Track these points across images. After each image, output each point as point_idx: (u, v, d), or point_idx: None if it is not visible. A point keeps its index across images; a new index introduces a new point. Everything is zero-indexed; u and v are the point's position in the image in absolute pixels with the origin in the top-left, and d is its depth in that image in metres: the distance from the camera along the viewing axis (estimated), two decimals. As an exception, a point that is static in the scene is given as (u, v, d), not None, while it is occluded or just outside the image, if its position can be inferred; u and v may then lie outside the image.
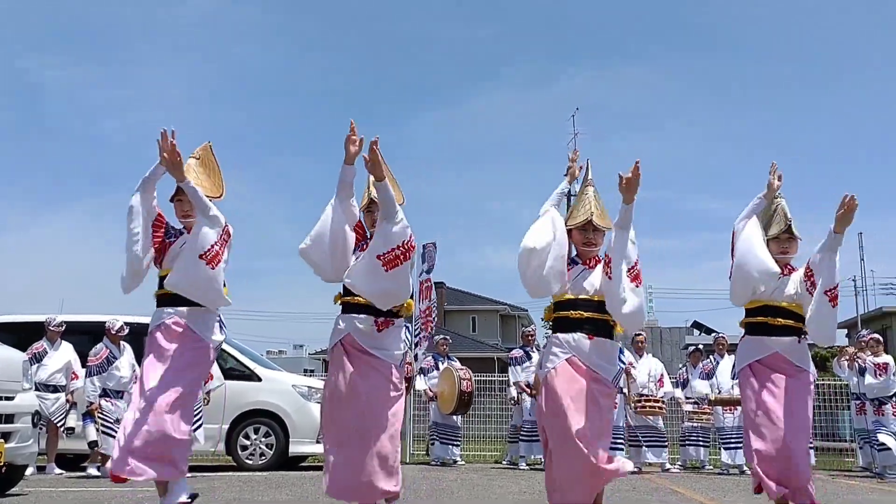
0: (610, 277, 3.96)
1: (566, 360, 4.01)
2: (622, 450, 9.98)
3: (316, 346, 38.71)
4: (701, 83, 76.48)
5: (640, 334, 11.15)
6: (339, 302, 4.28)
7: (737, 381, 4.79)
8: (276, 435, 9.61)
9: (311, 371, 33.42)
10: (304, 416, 9.68)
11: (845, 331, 30.44)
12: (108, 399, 8.43)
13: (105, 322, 8.80)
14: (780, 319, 4.49)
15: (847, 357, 10.51)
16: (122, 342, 8.73)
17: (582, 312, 4.08)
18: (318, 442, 9.60)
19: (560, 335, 4.09)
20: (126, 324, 8.76)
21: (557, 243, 4.09)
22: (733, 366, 6.75)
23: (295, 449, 9.64)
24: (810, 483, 4.30)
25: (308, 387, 10.03)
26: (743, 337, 4.68)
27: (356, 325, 4.17)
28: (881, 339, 10.90)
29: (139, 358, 6.72)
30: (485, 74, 76.50)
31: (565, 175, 4.46)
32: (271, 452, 9.56)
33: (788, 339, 4.47)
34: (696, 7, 77.76)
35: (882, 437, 9.91)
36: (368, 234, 4.29)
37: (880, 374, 10.15)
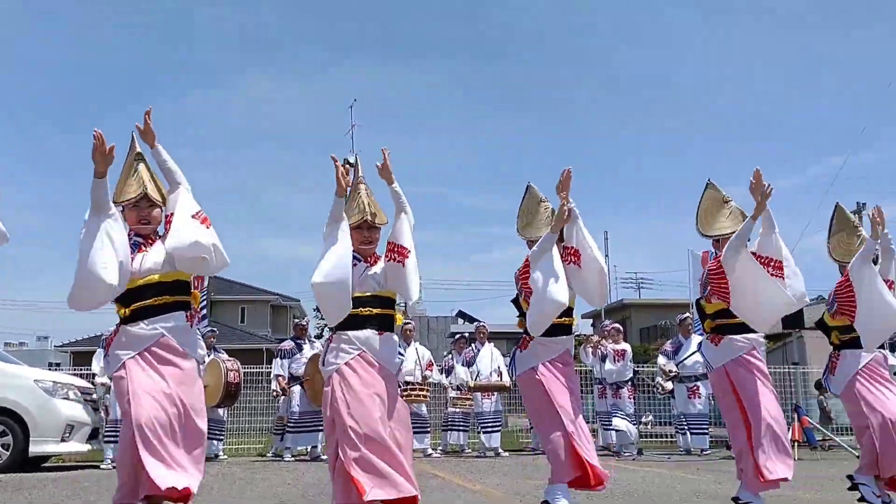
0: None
1: (358, 355, 4.07)
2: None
3: (62, 339, 35.51)
4: (475, 86, 79.92)
5: (409, 323, 11.48)
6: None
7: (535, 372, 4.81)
8: (14, 434, 8.72)
9: (58, 365, 30.67)
10: (48, 413, 8.85)
11: (590, 320, 33.26)
12: None
13: None
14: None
15: (591, 345, 11.48)
16: None
17: (371, 309, 4.14)
18: (63, 441, 8.85)
19: (349, 332, 4.12)
20: None
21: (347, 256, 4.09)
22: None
23: (36, 449, 8.80)
24: None
25: (53, 382, 9.19)
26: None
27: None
28: (621, 328, 12.06)
29: None
30: (263, 59, 74.54)
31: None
32: (7, 453, 8.66)
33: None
34: (473, 15, 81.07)
35: (616, 421, 10.95)
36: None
37: (618, 361, 11.22)
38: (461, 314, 35.61)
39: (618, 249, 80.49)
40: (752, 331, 4.90)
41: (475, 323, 13.03)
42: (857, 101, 69.49)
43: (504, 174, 78.36)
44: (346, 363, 4.05)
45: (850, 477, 5.26)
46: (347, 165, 4.45)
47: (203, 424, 3.89)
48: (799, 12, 72.53)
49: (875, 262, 5.13)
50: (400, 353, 4.37)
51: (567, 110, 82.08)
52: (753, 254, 4.77)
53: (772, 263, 4.74)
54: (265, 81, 72.63)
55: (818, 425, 11.90)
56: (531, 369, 4.76)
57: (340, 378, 4.03)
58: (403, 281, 4.18)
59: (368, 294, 4.16)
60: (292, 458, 10.33)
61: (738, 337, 4.88)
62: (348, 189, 4.25)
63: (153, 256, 3.97)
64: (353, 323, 4.12)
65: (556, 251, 4.70)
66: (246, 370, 11.54)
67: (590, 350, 11.53)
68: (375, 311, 4.16)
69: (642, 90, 77.44)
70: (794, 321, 13.80)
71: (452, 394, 11.24)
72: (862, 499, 5.07)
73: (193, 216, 3.97)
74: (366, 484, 3.77)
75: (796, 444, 10.60)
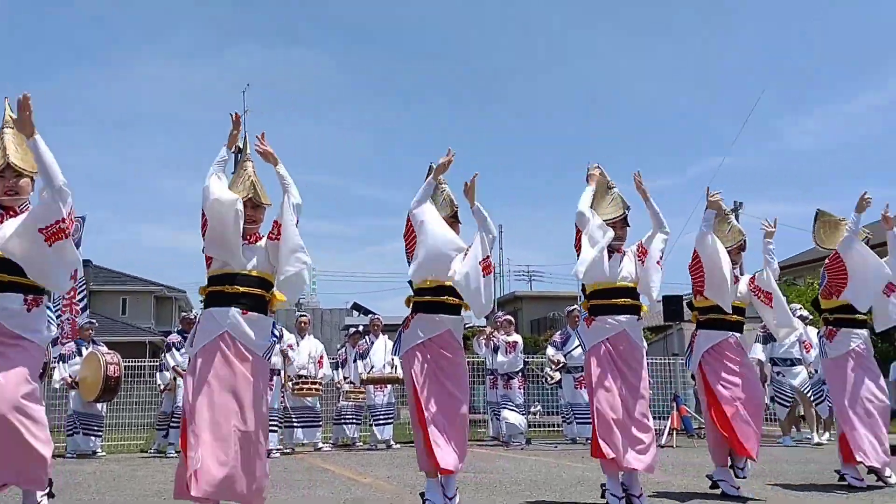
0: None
1: (218, 336, 3.95)
2: (276, 431, 9.98)
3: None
4: (372, 76, 79.39)
5: (304, 315, 11.33)
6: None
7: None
8: None
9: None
10: None
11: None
12: None
13: None
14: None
15: (484, 336, 11.64)
16: None
17: (238, 287, 4.01)
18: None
19: (213, 309, 4.02)
20: None
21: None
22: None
23: None
24: None
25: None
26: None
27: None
28: (513, 320, 12.28)
29: None
30: (149, 38, 71.57)
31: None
32: None
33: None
34: (373, 2, 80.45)
35: (505, 413, 11.15)
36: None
37: (510, 352, 11.42)
38: (356, 306, 35.36)
39: (512, 243, 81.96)
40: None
41: (370, 315, 12.94)
42: (735, 104, 73.20)
43: (402, 165, 78.43)
44: (203, 347, 3.97)
45: (709, 476, 5.56)
46: (236, 148, 4.37)
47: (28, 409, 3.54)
48: (675, 14, 75.69)
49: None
50: (274, 336, 4.23)
51: (466, 101, 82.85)
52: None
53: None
54: (153, 63, 69.78)
55: (695, 414, 12.47)
56: (408, 350, 4.71)
57: (196, 364, 3.97)
58: (277, 258, 4.11)
59: (243, 273, 4.05)
60: (176, 454, 9.98)
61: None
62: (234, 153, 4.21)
63: (3, 231, 3.66)
64: (219, 299, 4.02)
65: (432, 209, 4.73)
66: (127, 363, 11.11)
67: (482, 341, 11.68)
68: (242, 289, 4.02)
69: (535, 82, 79.01)
70: (674, 314, 14.44)
71: (346, 387, 11.15)
72: (724, 493, 5.39)
73: (41, 230, 3.58)
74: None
75: (675, 432, 11.10)
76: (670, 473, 7.06)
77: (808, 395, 10.62)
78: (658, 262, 5.01)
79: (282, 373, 10.17)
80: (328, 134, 77.46)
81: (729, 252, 5.47)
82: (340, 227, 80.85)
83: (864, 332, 5.97)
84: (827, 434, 11.32)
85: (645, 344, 5.19)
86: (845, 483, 5.82)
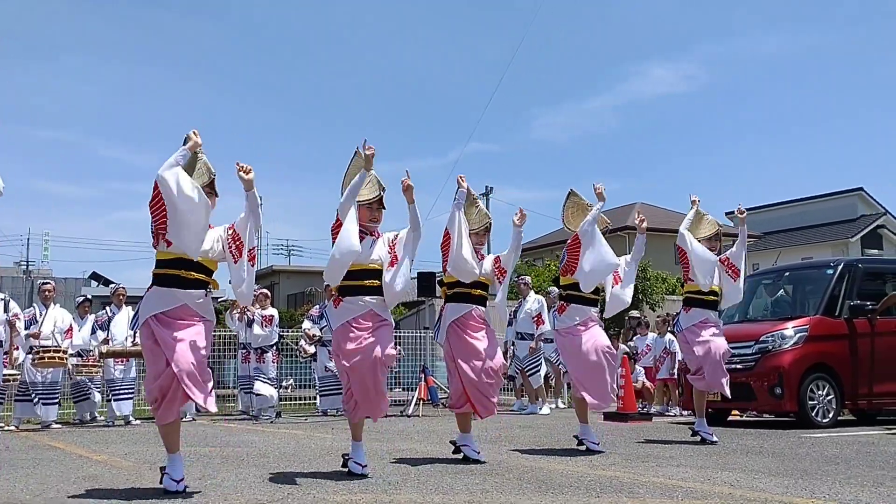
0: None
1: None
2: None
3: None
4: (129, 23, 73.45)
5: (47, 283, 10.70)
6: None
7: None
8: None
9: None
10: None
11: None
12: None
13: None
14: None
15: (238, 309, 11.33)
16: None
17: None
18: None
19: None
20: None
21: None
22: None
23: None
24: None
25: None
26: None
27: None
28: (269, 293, 12.07)
29: None
30: None
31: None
32: None
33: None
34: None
35: (258, 385, 10.98)
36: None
37: (266, 326, 11.24)
38: (94, 276, 32.83)
39: (271, 218, 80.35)
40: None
41: (111, 285, 12.05)
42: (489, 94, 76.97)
43: (154, 127, 73.55)
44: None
45: (452, 442, 5.89)
46: None
47: None
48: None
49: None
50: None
51: (223, 67, 79.43)
52: None
53: None
54: None
55: (441, 385, 13.09)
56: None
57: None
58: None
59: None
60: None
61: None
62: None
63: None
64: None
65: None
66: None
67: (236, 315, 11.38)
68: None
69: (306, 49, 77.71)
70: (427, 290, 15.02)
71: (74, 361, 10.31)
72: (465, 457, 5.73)
73: None
74: None
75: (422, 402, 11.59)
76: (416, 441, 7.36)
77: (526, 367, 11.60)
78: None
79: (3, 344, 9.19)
80: (65, 81, 70.53)
81: (476, 233, 5.86)
82: (78, 190, 74.25)
83: (594, 309, 6.59)
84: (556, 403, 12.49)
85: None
86: (584, 448, 6.36)
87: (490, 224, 5.99)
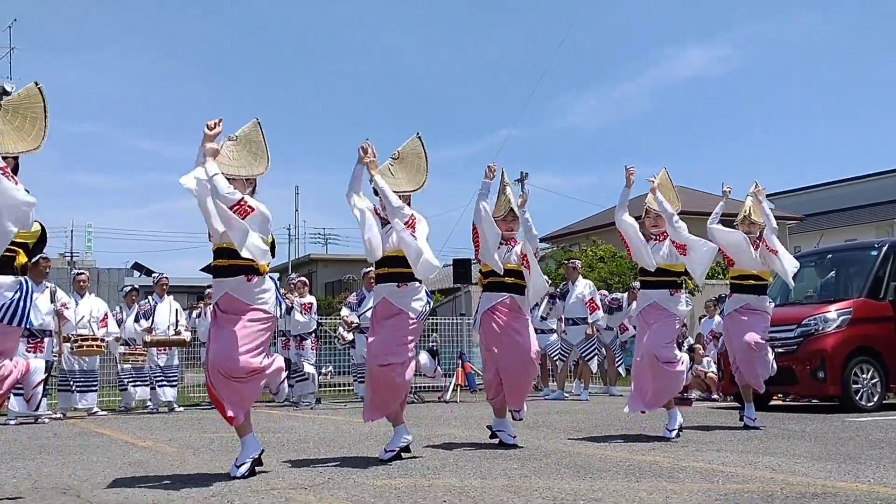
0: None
1: None
2: (47, 396, 9.24)
3: None
4: (161, 18, 74.39)
5: (82, 273, 10.74)
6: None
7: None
8: None
9: None
10: None
11: (277, 274, 33.05)
12: None
13: None
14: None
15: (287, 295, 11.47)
16: None
17: None
18: None
19: None
20: None
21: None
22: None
23: None
24: None
25: None
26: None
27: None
28: (307, 281, 12.22)
29: None
30: None
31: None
32: None
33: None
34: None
35: (306, 367, 11.10)
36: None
37: (305, 313, 11.38)
38: (137, 266, 33.43)
39: (308, 206, 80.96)
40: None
41: (153, 275, 12.25)
42: (521, 81, 76.59)
43: (183, 118, 74.42)
44: None
45: (489, 427, 5.91)
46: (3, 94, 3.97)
47: None
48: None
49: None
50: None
51: (256, 54, 79.95)
52: None
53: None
54: None
55: (479, 371, 13.11)
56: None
57: None
58: None
59: None
60: None
61: None
62: None
63: None
64: None
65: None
66: None
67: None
68: None
69: (336, 47, 77.94)
70: (463, 276, 15.02)
71: (121, 349, 10.54)
72: (501, 443, 5.75)
73: None
74: None
75: (459, 387, 11.63)
76: (454, 426, 7.40)
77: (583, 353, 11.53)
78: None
79: (54, 334, 9.43)
80: (102, 78, 71.59)
81: (504, 219, 5.89)
82: (120, 182, 75.55)
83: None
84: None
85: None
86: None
87: (511, 209, 5.94)
